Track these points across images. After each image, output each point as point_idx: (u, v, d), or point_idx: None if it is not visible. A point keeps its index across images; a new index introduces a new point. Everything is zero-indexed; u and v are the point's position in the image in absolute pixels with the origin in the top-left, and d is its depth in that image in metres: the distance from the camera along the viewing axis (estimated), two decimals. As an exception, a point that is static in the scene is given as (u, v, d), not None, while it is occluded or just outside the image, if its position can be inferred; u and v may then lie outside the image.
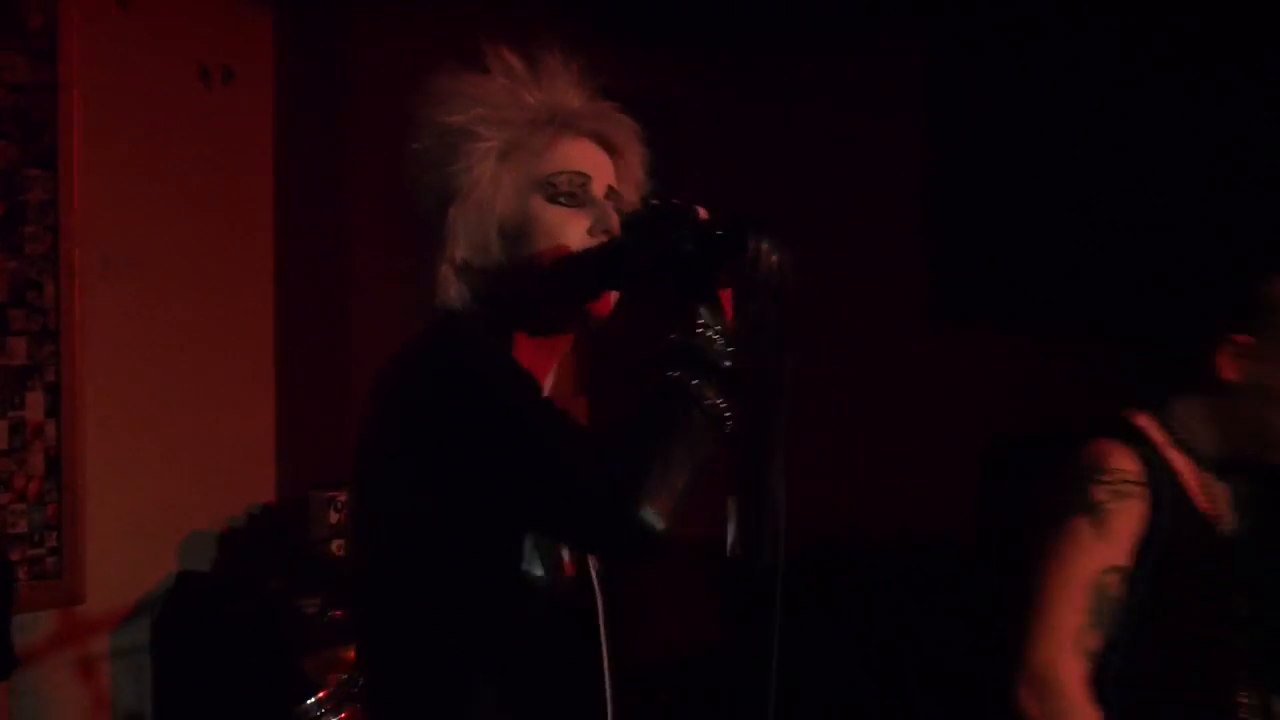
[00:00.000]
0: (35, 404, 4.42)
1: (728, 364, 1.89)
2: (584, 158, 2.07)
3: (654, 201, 2.03)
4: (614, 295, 2.07)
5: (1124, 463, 2.43)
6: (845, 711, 5.27)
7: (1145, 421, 2.54)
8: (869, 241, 5.85)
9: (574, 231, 2.02)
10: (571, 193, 2.03)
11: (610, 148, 2.11)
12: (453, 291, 2.02)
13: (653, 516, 1.77)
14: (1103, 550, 2.39)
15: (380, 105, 4.91)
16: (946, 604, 5.27)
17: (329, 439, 4.65)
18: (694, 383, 1.85)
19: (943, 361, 5.61)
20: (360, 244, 4.85)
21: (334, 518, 4.54)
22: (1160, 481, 2.44)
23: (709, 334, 1.90)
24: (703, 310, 1.92)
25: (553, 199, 2.03)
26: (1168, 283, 4.40)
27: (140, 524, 4.64)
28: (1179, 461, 2.52)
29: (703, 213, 1.94)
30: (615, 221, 2.04)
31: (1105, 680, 2.42)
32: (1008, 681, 2.44)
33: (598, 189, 2.06)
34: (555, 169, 2.03)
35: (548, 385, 2.08)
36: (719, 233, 1.90)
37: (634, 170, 2.14)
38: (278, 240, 5.15)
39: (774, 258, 1.86)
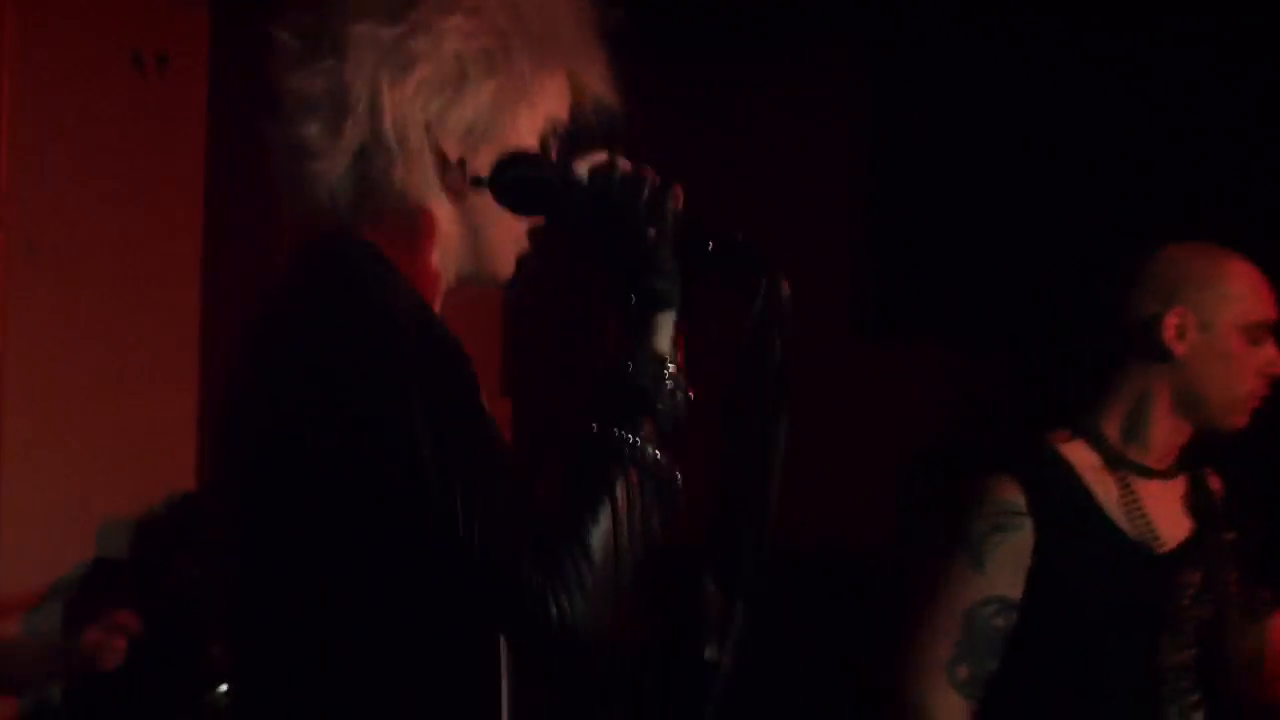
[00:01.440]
0: None
1: (683, 414, 1.55)
2: (566, 94, 1.73)
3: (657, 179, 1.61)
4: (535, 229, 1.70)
5: (1007, 494, 2.36)
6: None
7: (1071, 446, 2.45)
8: (797, 258, 5.73)
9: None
10: (548, 140, 1.69)
11: (577, 91, 1.74)
12: (342, 180, 1.61)
13: (576, 616, 1.39)
14: (978, 582, 2.34)
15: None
16: (864, 611, 5.27)
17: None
18: (635, 439, 1.47)
19: (866, 377, 5.64)
20: (287, 236, 4.75)
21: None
22: (1055, 511, 2.37)
23: (666, 371, 1.54)
24: (662, 336, 1.56)
25: (541, 143, 1.68)
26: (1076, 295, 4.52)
27: (57, 509, 4.60)
28: (1104, 483, 2.44)
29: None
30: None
31: (1004, 708, 2.38)
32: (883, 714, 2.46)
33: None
34: (557, 111, 1.69)
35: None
36: (734, 245, 1.58)
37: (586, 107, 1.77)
38: (206, 229, 5.13)
39: (787, 295, 1.58)
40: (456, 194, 1.64)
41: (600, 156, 1.60)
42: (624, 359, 1.52)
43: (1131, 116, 5.01)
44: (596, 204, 1.57)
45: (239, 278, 4.90)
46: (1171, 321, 2.44)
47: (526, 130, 1.64)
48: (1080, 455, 2.44)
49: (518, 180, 1.61)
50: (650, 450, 1.48)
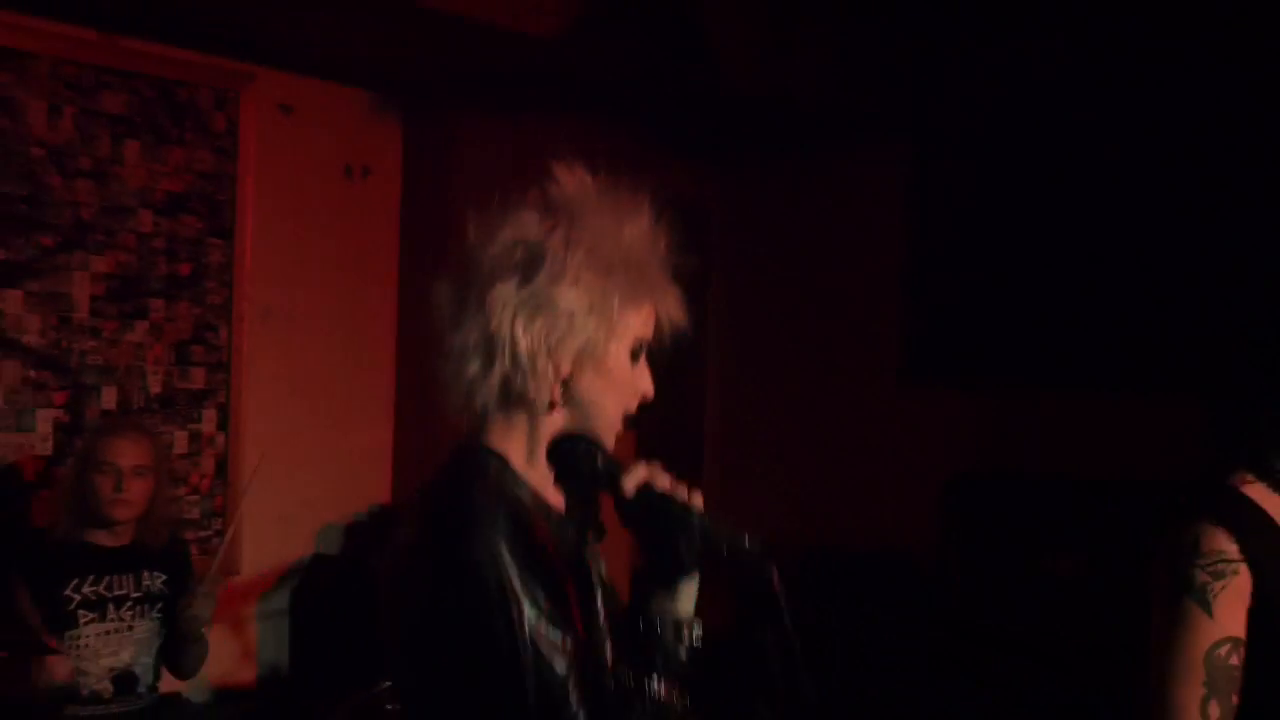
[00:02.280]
0: (209, 419, 4.83)
1: (693, 656, 1.82)
2: (651, 326, 1.95)
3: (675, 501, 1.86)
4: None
5: (1220, 544, 2.19)
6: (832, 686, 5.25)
7: (1254, 489, 2.27)
8: (856, 317, 6.00)
9: (633, 386, 1.94)
10: (639, 354, 1.94)
11: (661, 321, 1.97)
12: (494, 399, 1.87)
13: None
14: (1211, 627, 2.18)
15: (483, 198, 5.20)
16: (908, 608, 5.46)
17: (432, 454, 4.58)
18: (651, 685, 1.77)
19: (912, 415, 5.75)
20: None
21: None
22: (1267, 554, 2.20)
23: (683, 632, 1.82)
24: (685, 601, 1.84)
25: (634, 356, 1.92)
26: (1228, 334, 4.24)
27: (285, 515, 4.92)
28: None
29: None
30: (651, 386, 1.96)
31: None
32: None
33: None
34: (643, 333, 1.92)
35: (556, 501, 1.96)
36: (742, 548, 1.80)
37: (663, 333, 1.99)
38: (400, 299, 5.40)
39: (780, 587, 1.78)
40: (569, 400, 1.89)
41: (640, 475, 1.87)
42: (653, 619, 1.82)
43: (1135, 191, 5.00)
44: (637, 513, 1.85)
45: (425, 340, 5.05)
46: None
47: (618, 348, 1.88)
48: (1264, 497, 2.26)
49: (580, 471, 1.91)
50: (660, 689, 1.77)
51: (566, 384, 1.88)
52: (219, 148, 4.86)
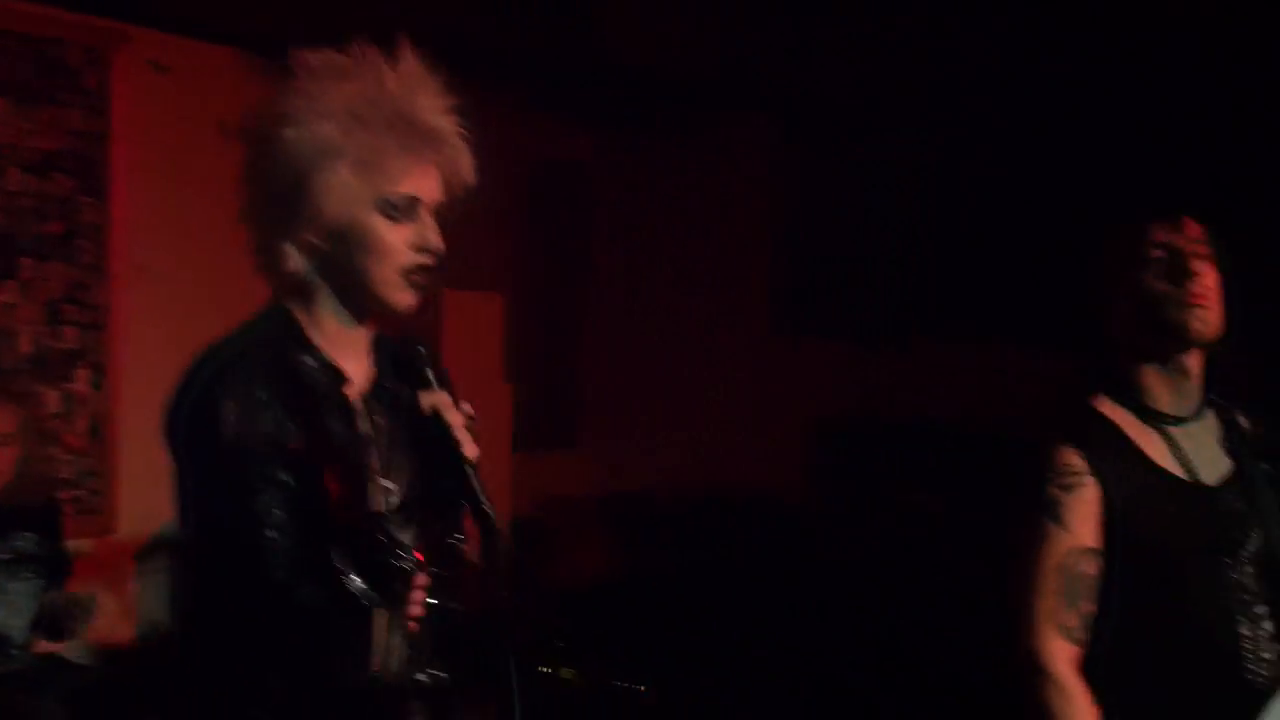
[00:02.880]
0: (83, 379, 4.76)
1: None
2: (423, 182, 1.89)
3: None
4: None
5: (1069, 459, 2.30)
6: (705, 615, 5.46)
7: (1107, 407, 2.39)
8: (731, 276, 6.20)
9: (397, 242, 1.88)
10: (404, 211, 1.88)
11: (448, 178, 1.93)
12: (292, 264, 1.88)
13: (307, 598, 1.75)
14: (1064, 537, 2.28)
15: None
16: (777, 546, 5.66)
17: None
18: (347, 573, 1.76)
19: (782, 363, 5.96)
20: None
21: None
22: (1111, 465, 2.31)
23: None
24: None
25: (386, 214, 1.86)
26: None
27: (160, 474, 4.53)
28: (1144, 434, 2.37)
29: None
30: (436, 239, 1.90)
31: (1102, 649, 2.31)
32: (1002, 666, 2.34)
33: (425, 207, 1.90)
34: (396, 191, 1.86)
35: (355, 369, 1.96)
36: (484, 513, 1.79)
37: (459, 190, 1.95)
38: None
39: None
40: (331, 267, 1.89)
41: (436, 399, 1.85)
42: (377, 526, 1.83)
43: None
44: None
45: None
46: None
47: (358, 210, 1.85)
48: (1118, 414, 2.37)
49: (398, 373, 1.94)
50: (357, 584, 1.78)
51: (321, 253, 1.88)
52: (90, 105, 4.77)
